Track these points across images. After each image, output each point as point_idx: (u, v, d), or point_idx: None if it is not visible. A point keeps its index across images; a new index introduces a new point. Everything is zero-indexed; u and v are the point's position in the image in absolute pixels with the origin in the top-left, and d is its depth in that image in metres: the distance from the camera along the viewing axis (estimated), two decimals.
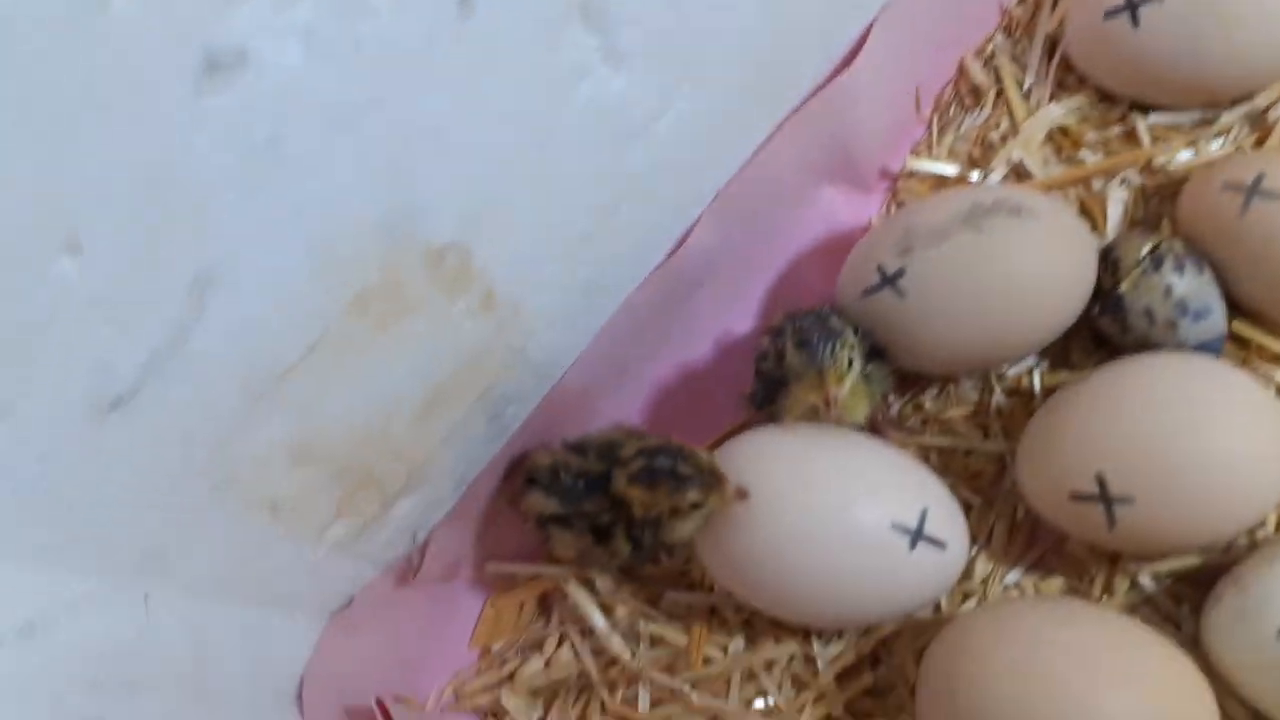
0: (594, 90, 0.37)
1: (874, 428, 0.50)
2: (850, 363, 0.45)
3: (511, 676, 0.51)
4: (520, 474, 0.48)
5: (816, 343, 0.45)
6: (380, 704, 0.44)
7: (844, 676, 0.48)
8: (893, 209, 0.56)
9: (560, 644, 0.51)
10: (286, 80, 0.27)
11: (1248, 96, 0.51)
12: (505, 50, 0.32)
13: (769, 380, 0.48)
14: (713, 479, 0.44)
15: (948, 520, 0.45)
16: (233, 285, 0.30)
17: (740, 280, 0.54)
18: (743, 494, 0.44)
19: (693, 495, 0.44)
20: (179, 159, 0.26)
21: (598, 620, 0.50)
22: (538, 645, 0.51)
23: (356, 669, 0.46)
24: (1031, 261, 0.46)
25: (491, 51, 0.32)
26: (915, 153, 0.56)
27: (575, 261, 0.43)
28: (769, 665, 0.48)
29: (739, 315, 0.54)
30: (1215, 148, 0.51)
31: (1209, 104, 0.52)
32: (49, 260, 0.25)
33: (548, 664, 0.51)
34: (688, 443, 0.46)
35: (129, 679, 0.33)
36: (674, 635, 0.49)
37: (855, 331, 0.47)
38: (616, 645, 0.49)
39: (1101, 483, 0.42)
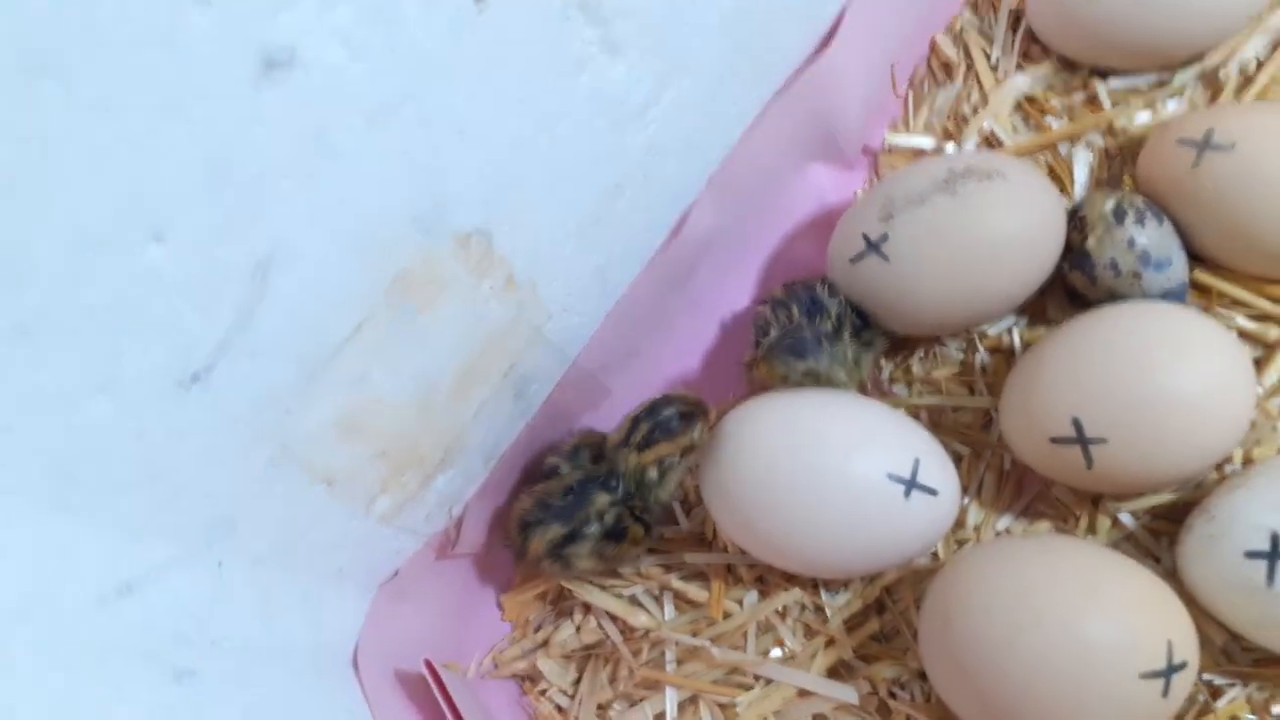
0: (595, 79, 0.40)
1: (866, 393, 0.54)
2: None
3: (545, 644, 0.54)
4: (511, 527, 0.51)
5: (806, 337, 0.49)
6: (430, 667, 0.47)
7: (852, 623, 0.51)
8: (875, 183, 0.59)
9: (588, 612, 0.54)
10: (330, 78, 0.30)
11: (1199, 57, 0.55)
12: (515, 44, 0.36)
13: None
14: (703, 408, 0.49)
15: (938, 469, 0.47)
16: (290, 268, 0.33)
17: (737, 257, 0.57)
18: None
19: (698, 430, 0.48)
20: (242, 151, 0.29)
21: (616, 606, 0.53)
22: (568, 613, 0.54)
23: (405, 637, 0.49)
24: (1004, 222, 0.49)
25: (504, 46, 0.35)
26: (893, 128, 0.60)
27: (586, 244, 0.46)
28: (783, 614, 0.51)
29: (737, 290, 0.57)
30: (1171, 107, 0.55)
31: (1164, 66, 0.55)
32: (140, 248, 0.28)
33: (578, 630, 0.54)
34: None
35: (211, 637, 0.36)
36: (695, 592, 0.52)
37: (846, 303, 0.51)
38: (638, 620, 0.52)
39: (1078, 426, 0.45)
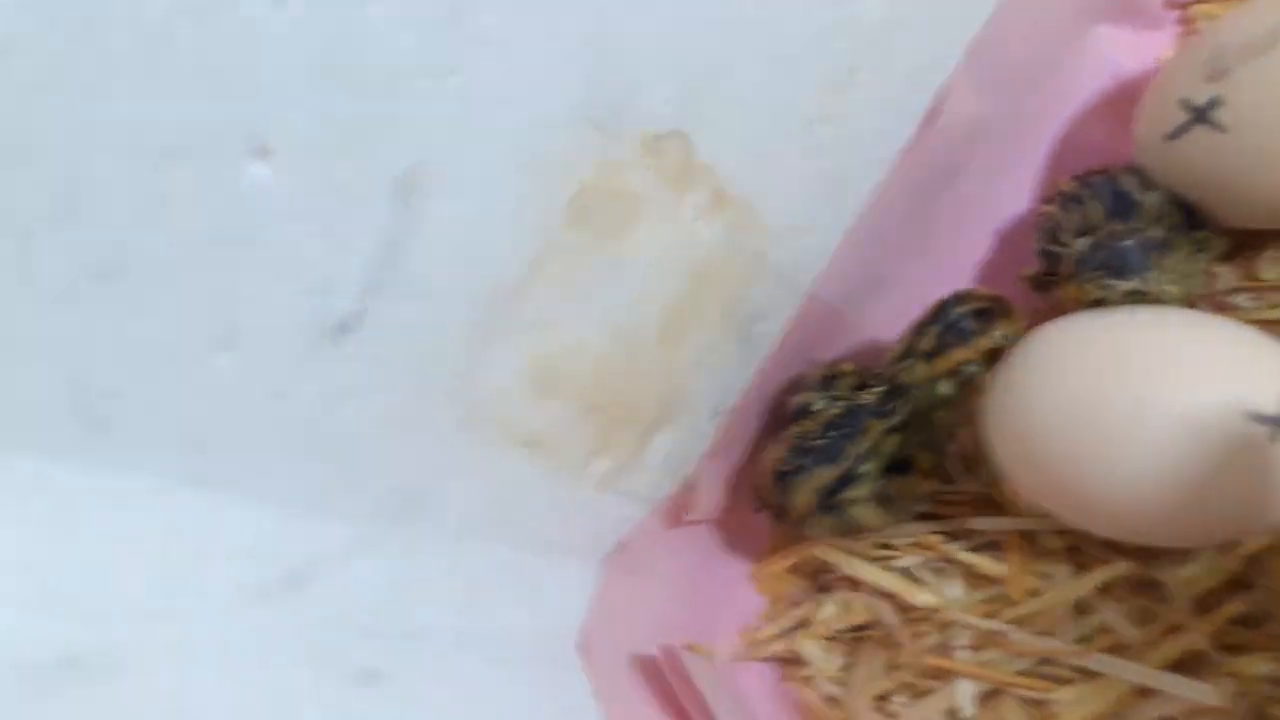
0: None
1: (1193, 306, 0.42)
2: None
3: (806, 623, 0.47)
4: (765, 483, 0.44)
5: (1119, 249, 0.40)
6: (669, 653, 0.42)
7: (1204, 604, 0.40)
8: (1190, 38, 0.47)
9: (855, 588, 0.46)
10: None
11: None
12: None
13: (1058, 259, 0.42)
14: (1003, 305, 0.42)
15: None
16: (440, 189, 0.28)
17: (1009, 151, 0.47)
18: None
19: (1000, 330, 0.41)
20: (356, 39, 0.24)
21: (889, 581, 0.45)
22: (830, 588, 0.47)
23: (639, 617, 0.44)
24: None
25: None
26: None
27: (812, 145, 0.38)
28: (1106, 591, 0.41)
29: (1012, 190, 0.48)
30: None
31: None
32: (239, 167, 0.23)
33: (846, 607, 0.46)
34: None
35: (402, 629, 0.32)
36: (989, 565, 0.44)
37: (1167, 199, 0.41)
38: (919, 597, 0.44)
39: None
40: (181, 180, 0.22)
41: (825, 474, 0.42)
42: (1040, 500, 0.41)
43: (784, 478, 0.43)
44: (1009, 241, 0.48)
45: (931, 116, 0.43)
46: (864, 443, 0.42)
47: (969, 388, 0.42)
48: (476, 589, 0.36)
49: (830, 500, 0.43)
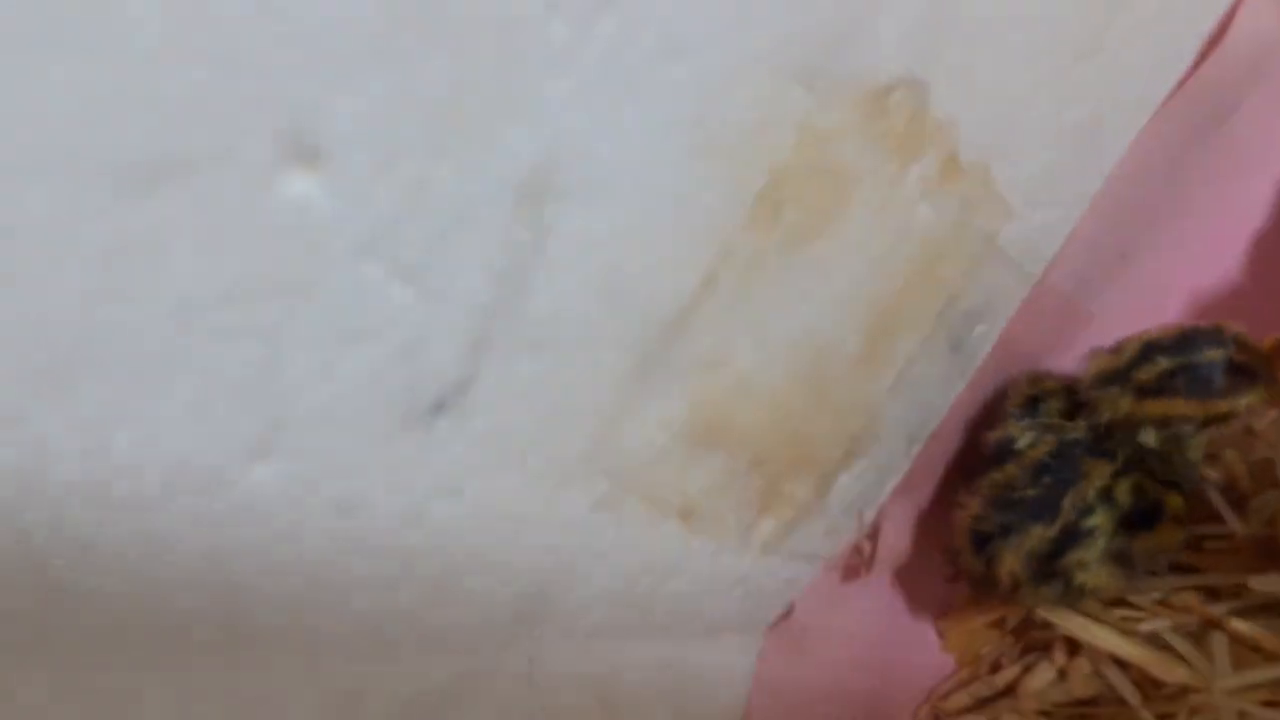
0: None
1: None
2: None
3: (1010, 690, 0.38)
4: (960, 545, 0.35)
5: None
6: None
7: None
8: None
9: (1076, 652, 0.37)
10: None
11: None
12: None
13: None
14: (1270, 368, 0.32)
15: None
16: (581, 192, 0.18)
17: None
18: None
19: (1247, 399, 0.32)
20: None
21: (1127, 648, 0.36)
22: (1043, 648, 0.38)
23: (809, 693, 0.36)
24: None
25: None
26: None
27: (1066, 91, 0.28)
28: None
29: None
30: None
31: None
32: (273, 178, 0.14)
33: (1063, 675, 0.37)
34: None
35: None
36: (1270, 639, 0.34)
37: None
38: (1171, 672, 0.35)
39: None
40: (178, 204, 0.13)
41: (1038, 535, 0.33)
42: None
43: (985, 542, 0.34)
44: None
45: (1211, 45, 0.31)
46: (1087, 490, 0.33)
47: (1176, 446, 0.32)
48: (612, 700, 0.27)
49: (1049, 566, 0.33)
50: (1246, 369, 0.32)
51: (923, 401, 0.33)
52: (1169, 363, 0.32)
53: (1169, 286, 0.37)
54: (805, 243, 0.23)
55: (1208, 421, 0.32)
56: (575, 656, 0.26)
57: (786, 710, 0.35)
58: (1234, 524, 0.36)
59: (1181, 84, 0.32)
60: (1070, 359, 0.37)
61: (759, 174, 0.21)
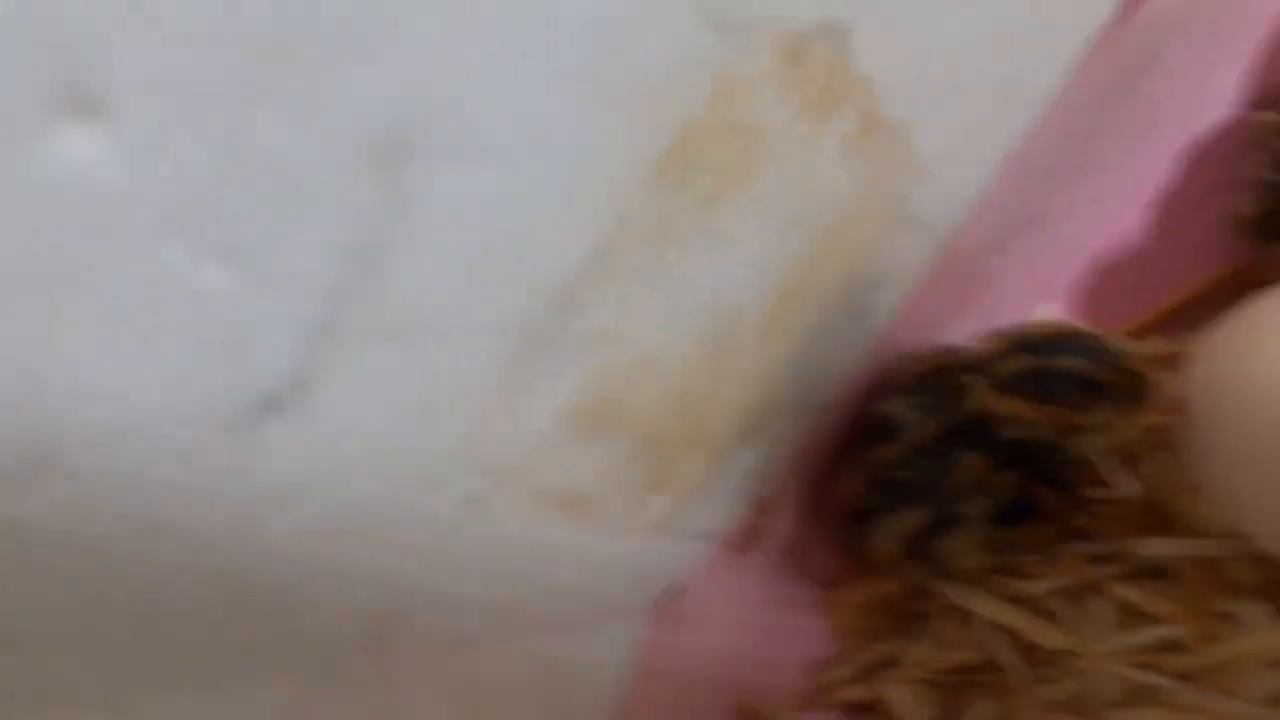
0: None
1: None
2: None
3: (894, 663, 0.38)
4: (841, 521, 0.35)
5: None
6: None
7: None
8: None
9: (962, 620, 0.37)
10: None
11: None
12: None
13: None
14: (1137, 383, 0.32)
15: None
16: (449, 151, 0.15)
17: (1216, 43, 0.36)
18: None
19: (1105, 413, 0.32)
20: None
21: (1010, 615, 0.36)
22: (923, 617, 0.38)
23: (694, 668, 0.36)
24: None
25: None
26: None
27: (992, 49, 0.26)
28: None
29: (1214, 99, 0.37)
30: None
31: None
32: (53, 134, 0.10)
33: (946, 643, 0.38)
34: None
35: None
36: (1153, 602, 0.35)
37: None
38: (1051, 637, 0.36)
39: None
40: None
41: (914, 518, 0.34)
42: (1241, 517, 0.33)
43: (863, 519, 0.35)
44: (1206, 164, 0.37)
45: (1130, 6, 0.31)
46: (963, 479, 0.33)
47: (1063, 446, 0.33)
48: (483, 710, 0.25)
49: (922, 548, 0.34)
50: (1102, 385, 0.32)
51: (822, 372, 0.32)
52: (1027, 362, 0.32)
53: (1077, 246, 0.38)
54: (714, 206, 0.21)
55: (1062, 431, 0.32)
56: (440, 666, 0.24)
57: (672, 690, 0.34)
58: (1124, 486, 0.36)
59: (1099, 43, 0.31)
60: (974, 324, 0.36)
61: (665, 130, 0.18)
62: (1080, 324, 0.34)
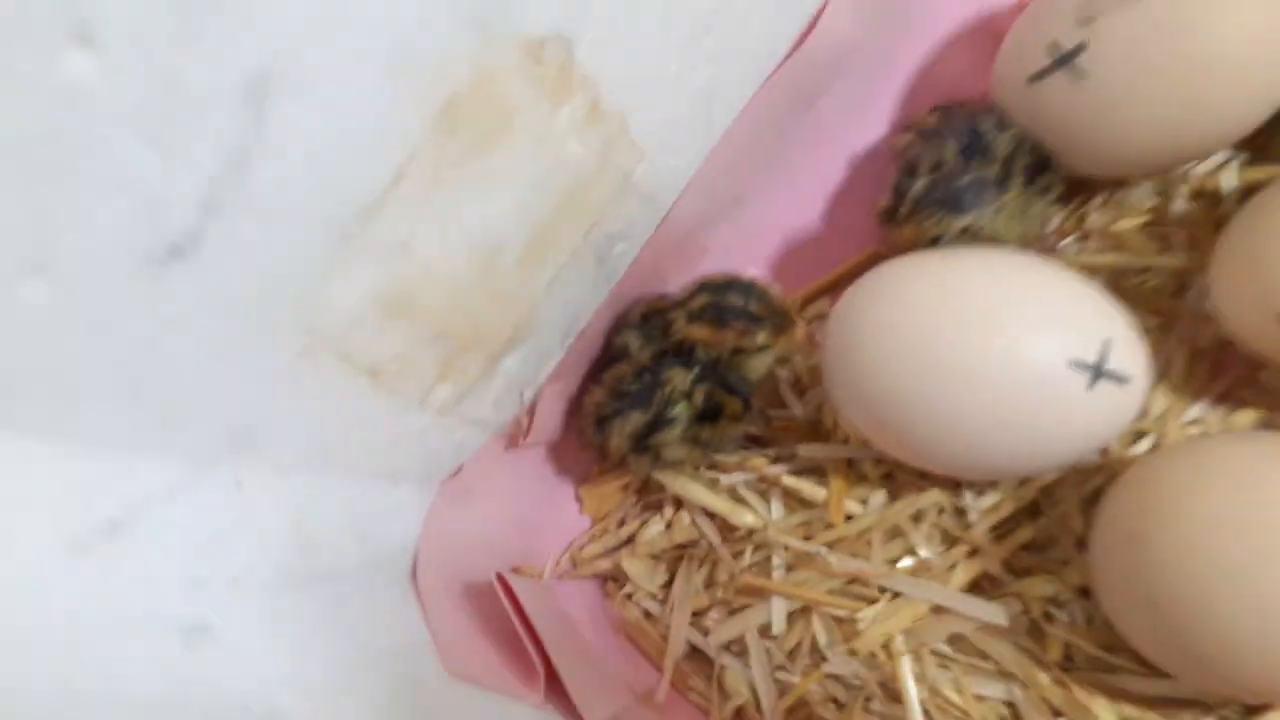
0: None
1: (1029, 247, 0.43)
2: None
3: (630, 541, 0.47)
4: (586, 423, 0.44)
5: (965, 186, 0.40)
6: (498, 576, 0.40)
7: (999, 530, 0.42)
8: None
9: (680, 507, 0.46)
10: None
11: None
12: None
13: (904, 195, 0.42)
14: (784, 319, 0.41)
15: (1130, 351, 0.38)
16: (297, 92, 0.23)
17: (875, 75, 0.46)
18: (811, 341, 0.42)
19: (763, 336, 0.41)
20: None
21: (714, 502, 0.45)
22: (657, 507, 0.47)
23: (470, 540, 0.42)
24: (1247, 25, 0.37)
25: None
26: None
27: (692, 59, 0.36)
28: (916, 518, 0.43)
29: (872, 120, 0.47)
30: None
31: None
32: (55, 56, 0.18)
33: (669, 526, 0.46)
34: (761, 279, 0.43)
35: (230, 574, 0.29)
36: (810, 490, 0.44)
37: (1019, 139, 0.41)
38: (741, 518, 0.44)
39: None
40: None
41: (637, 419, 0.42)
42: (864, 431, 0.41)
43: (602, 421, 0.43)
44: (863, 170, 0.47)
45: (807, 31, 0.41)
46: (671, 390, 0.42)
47: (736, 364, 0.42)
48: (306, 524, 0.33)
49: (644, 442, 0.42)
50: (760, 315, 0.41)
51: (574, 303, 0.40)
52: (707, 299, 0.41)
53: (770, 226, 0.47)
54: (477, 158, 0.30)
55: (733, 351, 0.41)
56: (276, 484, 0.31)
57: (449, 555, 0.41)
58: (796, 408, 0.46)
59: (781, 65, 0.42)
60: (691, 280, 0.46)
61: (440, 96, 0.27)
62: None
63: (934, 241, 0.40)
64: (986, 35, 0.44)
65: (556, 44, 0.29)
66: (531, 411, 0.42)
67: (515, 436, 0.43)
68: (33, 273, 0.21)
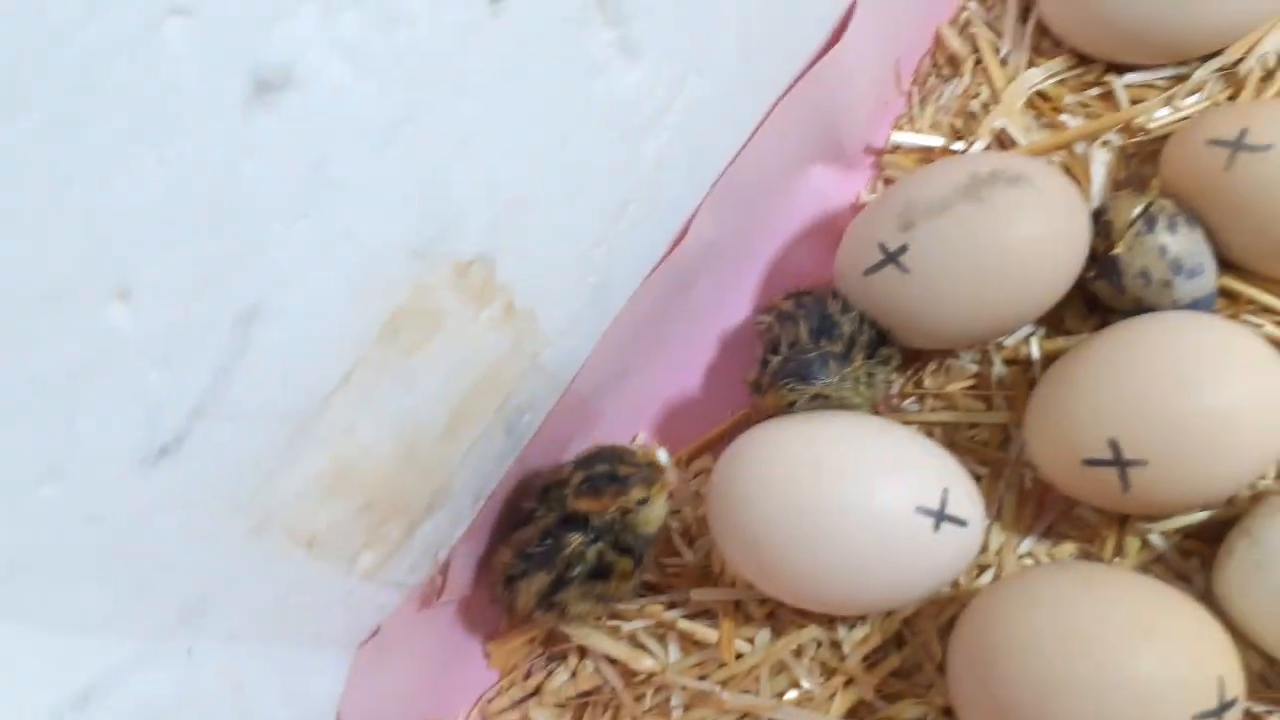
0: (610, 85, 0.36)
1: (877, 410, 0.50)
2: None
3: (538, 691, 0.50)
4: (496, 582, 0.47)
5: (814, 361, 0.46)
6: None
7: (870, 659, 0.47)
8: (880, 185, 0.56)
9: (584, 656, 0.50)
10: (332, 99, 0.25)
11: (1218, 51, 0.52)
12: (530, 49, 0.31)
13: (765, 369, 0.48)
14: (651, 470, 0.45)
15: (966, 497, 0.44)
16: (276, 317, 0.28)
17: (738, 268, 0.53)
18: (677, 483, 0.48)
19: (637, 491, 0.45)
20: (228, 189, 0.24)
21: (615, 649, 0.49)
22: (562, 658, 0.50)
23: (388, 699, 0.44)
24: (1032, 229, 0.46)
25: (518, 51, 0.31)
26: (899, 126, 0.56)
27: (588, 265, 0.42)
28: (798, 653, 0.48)
29: (738, 301, 0.54)
30: (1191, 104, 0.52)
31: (1181, 60, 0.53)
32: (100, 308, 0.23)
33: (574, 675, 0.50)
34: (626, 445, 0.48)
35: None
36: (703, 632, 0.49)
37: (861, 319, 0.48)
38: (641, 663, 0.48)
39: (1115, 447, 0.42)
40: (44, 324, 0.21)
41: (542, 579, 0.46)
42: (748, 575, 0.46)
43: (511, 580, 0.47)
44: (731, 344, 0.54)
45: (679, 238, 0.48)
46: (569, 552, 0.46)
47: (627, 527, 0.46)
48: (243, 688, 0.35)
49: (549, 600, 0.46)
50: (626, 475, 0.45)
51: (485, 470, 0.44)
52: (582, 474, 0.45)
53: (656, 394, 0.52)
54: (412, 355, 0.35)
55: (624, 511, 0.45)
56: (220, 651, 0.34)
57: (367, 710, 0.42)
58: (687, 555, 0.50)
59: (661, 262, 0.48)
60: (589, 444, 0.49)
61: (387, 310, 0.32)
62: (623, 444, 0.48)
63: (791, 406, 0.46)
64: (829, 232, 0.52)
65: (481, 263, 0.35)
66: (445, 571, 0.45)
67: (429, 596, 0.46)
68: (50, 477, 0.24)
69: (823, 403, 0.46)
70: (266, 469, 0.31)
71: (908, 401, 0.52)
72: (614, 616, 0.50)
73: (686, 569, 0.51)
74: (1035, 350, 0.51)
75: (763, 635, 0.48)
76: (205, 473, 0.29)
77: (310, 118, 0.25)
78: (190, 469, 0.28)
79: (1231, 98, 0.52)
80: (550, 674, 0.50)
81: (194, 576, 0.31)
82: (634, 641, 0.49)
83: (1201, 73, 0.52)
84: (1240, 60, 0.52)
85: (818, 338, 0.47)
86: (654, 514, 0.46)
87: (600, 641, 0.49)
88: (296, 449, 0.32)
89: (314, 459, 0.33)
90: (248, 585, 0.34)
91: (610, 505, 0.45)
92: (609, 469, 0.45)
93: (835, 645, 0.48)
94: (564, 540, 0.46)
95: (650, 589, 0.50)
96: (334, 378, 0.32)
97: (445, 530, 0.44)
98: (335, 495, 0.35)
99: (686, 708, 0.48)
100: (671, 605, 0.50)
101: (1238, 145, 0.46)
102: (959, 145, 0.54)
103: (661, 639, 0.49)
